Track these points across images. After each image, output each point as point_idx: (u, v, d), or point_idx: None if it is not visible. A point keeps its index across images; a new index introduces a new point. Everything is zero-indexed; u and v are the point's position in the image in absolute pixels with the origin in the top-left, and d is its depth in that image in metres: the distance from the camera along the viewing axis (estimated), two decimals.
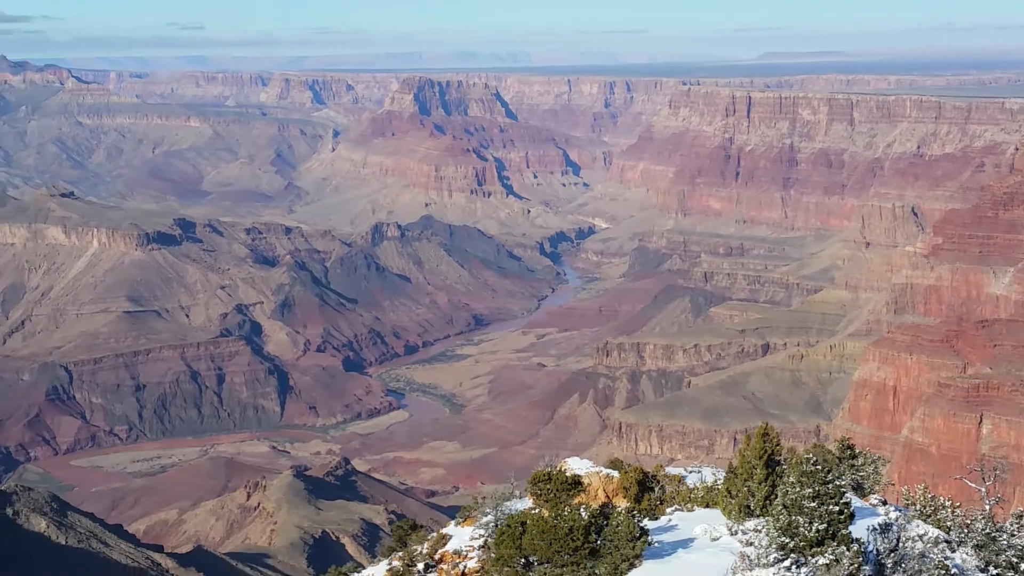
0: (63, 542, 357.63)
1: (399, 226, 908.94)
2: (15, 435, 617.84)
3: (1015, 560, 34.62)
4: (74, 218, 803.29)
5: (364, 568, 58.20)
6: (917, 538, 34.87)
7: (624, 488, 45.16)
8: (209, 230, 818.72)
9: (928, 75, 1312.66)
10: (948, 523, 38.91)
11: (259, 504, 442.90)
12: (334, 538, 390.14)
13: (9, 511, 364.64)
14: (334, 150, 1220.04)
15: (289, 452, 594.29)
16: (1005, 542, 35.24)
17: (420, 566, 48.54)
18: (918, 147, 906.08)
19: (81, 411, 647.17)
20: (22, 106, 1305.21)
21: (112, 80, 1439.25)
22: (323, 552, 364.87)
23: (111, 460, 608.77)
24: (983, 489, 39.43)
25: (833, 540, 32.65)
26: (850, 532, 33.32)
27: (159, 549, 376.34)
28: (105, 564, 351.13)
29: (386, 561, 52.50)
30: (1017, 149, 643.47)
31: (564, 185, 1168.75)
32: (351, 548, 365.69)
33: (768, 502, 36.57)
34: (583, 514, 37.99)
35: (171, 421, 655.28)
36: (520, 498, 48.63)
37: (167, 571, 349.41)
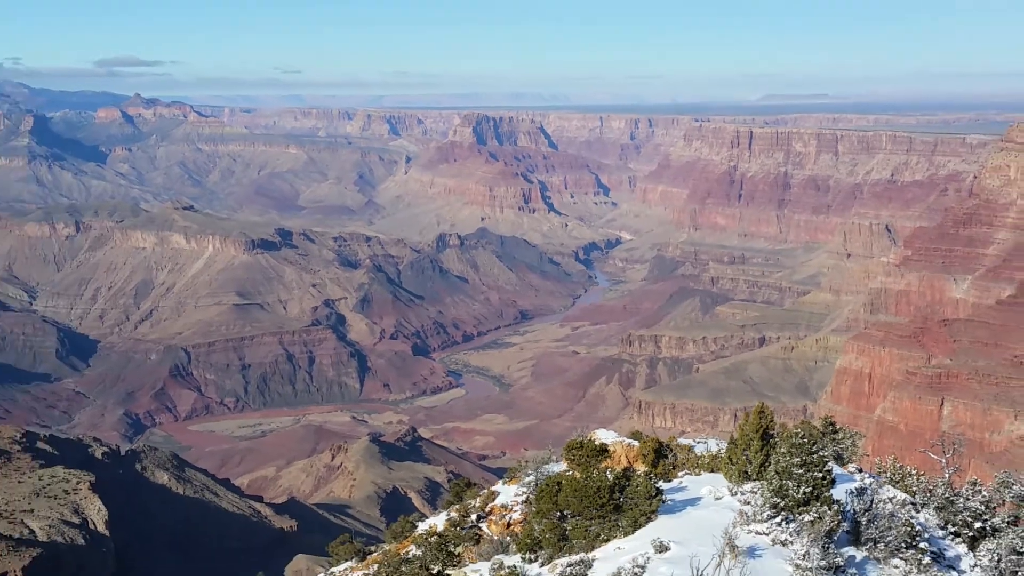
0: (181, 493, 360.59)
1: (459, 236, 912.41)
2: (143, 404, 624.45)
3: (969, 520, 34.50)
4: (193, 227, 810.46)
5: (427, 518, 58.33)
6: (887, 500, 34.77)
7: (643, 455, 45.21)
8: (303, 238, 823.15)
9: (901, 115, 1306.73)
10: (913, 488, 38.77)
11: (341, 464, 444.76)
12: (403, 493, 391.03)
13: (138, 467, 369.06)
14: (406, 173, 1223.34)
15: (367, 421, 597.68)
16: (961, 505, 35.14)
17: (473, 517, 48.75)
18: (892, 175, 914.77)
19: (197, 385, 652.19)
20: (152, 135, 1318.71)
21: (226, 114, 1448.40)
22: (393, 504, 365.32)
23: (221, 426, 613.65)
24: (943, 461, 39.32)
25: (817, 501, 32.73)
26: (831, 495, 33.43)
27: (259, 499, 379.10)
28: (216, 511, 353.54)
29: (445, 513, 52.70)
30: (975, 177, 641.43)
31: (596, 204, 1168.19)
32: (416, 501, 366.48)
33: (763, 468, 36.56)
34: (608, 476, 38.18)
35: (270, 395, 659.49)
36: (556, 462, 48.72)
37: (266, 518, 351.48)
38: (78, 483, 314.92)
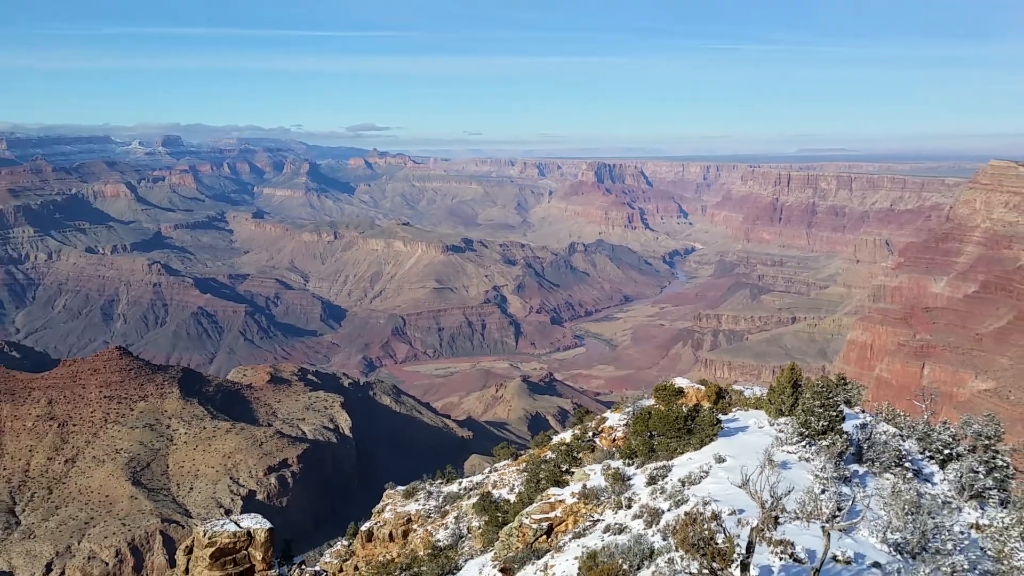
0: (398, 410, 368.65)
1: (583, 244, 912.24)
2: (374, 352, 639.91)
3: (941, 448, 33.77)
4: (408, 236, 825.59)
5: (559, 434, 58.38)
6: (882, 433, 34.00)
7: (707, 396, 44.53)
8: (480, 244, 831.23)
9: (898, 163, 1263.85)
10: (901, 425, 37.61)
11: (502, 395, 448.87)
12: (542, 416, 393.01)
13: (370, 392, 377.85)
14: (549, 202, 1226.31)
15: (519, 367, 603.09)
16: (935, 437, 34.40)
17: (590, 434, 48.57)
18: (891, 205, 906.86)
19: (409, 340, 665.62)
20: (383, 176, 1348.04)
21: (431, 162, 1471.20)
22: (536, 423, 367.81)
23: (424, 368, 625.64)
24: (923, 407, 37.96)
25: (832, 431, 32.29)
26: (842, 427, 32.85)
27: (448, 417, 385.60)
28: (419, 423, 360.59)
29: (571, 430, 52.64)
30: (951, 208, 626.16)
31: (677, 223, 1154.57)
32: (552, 422, 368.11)
33: (793, 408, 35.84)
34: (683, 409, 37.75)
35: (456, 348, 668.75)
36: (647, 399, 48.20)
37: (451, 429, 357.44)
38: (333, 402, 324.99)
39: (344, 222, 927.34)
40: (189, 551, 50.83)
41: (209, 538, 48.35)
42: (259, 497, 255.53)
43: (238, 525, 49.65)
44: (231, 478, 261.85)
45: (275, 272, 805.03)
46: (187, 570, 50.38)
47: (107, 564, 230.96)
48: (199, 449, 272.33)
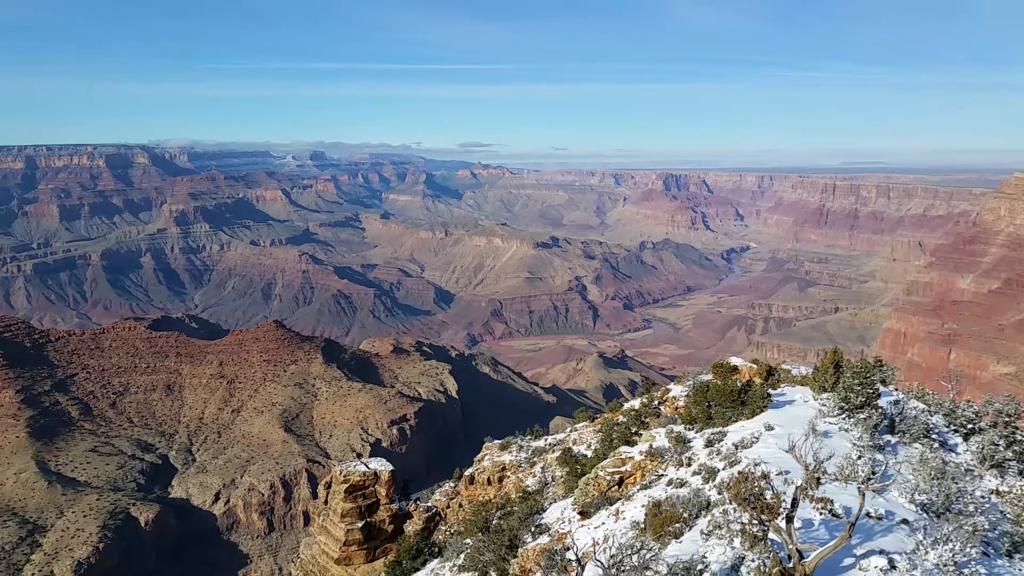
0: (496, 378, 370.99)
1: (652, 243, 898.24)
2: (476, 329, 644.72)
3: (964, 423, 32.20)
4: (505, 234, 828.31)
5: (629, 401, 57.88)
6: (913, 408, 32.64)
7: (759, 373, 43.42)
8: (565, 242, 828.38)
9: (931, 174, 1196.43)
10: (929, 403, 35.99)
11: (581, 368, 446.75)
12: (615, 386, 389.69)
13: (473, 363, 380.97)
14: (623, 207, 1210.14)
15: (596, 345, 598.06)
16: (959, 413, 32.78)
17: (656, 402, 48.00)
18: (924, 212, 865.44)
19: (505, 321, 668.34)
20: (486, 184, 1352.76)
21: (525, 173, 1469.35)
22: (610, 392, 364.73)
23: (517, 344, 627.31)
24: (950, 387, 36.30)
25: (868, 406, 31.23)
26: (878, 403, 31.72)
27: (536, 384, 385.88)
28: (513, 389, 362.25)
29: (640, 399, 52.13)
30: (977, 214, 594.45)
31: (734, 225, 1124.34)
32: (623, 391, 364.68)
33: (834, 385, 34.68)
34: (737, 384, 36.95)
35: (544, 328, 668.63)
36: (705, 374, 47.33)
37: (539, 395, 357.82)
38: (443, 370, 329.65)
39: (453, 222, 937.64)
40: (329, 486, 52.63)
41: (344, 476, 49.94)
42: (383, 444, 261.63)
43: (367, 466, 51.12)
44: (362, 428, 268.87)
45: (397, 263, 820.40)
46: (327, 501, 52.19)
47: (263, 495, 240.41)
48: (337, 404, 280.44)
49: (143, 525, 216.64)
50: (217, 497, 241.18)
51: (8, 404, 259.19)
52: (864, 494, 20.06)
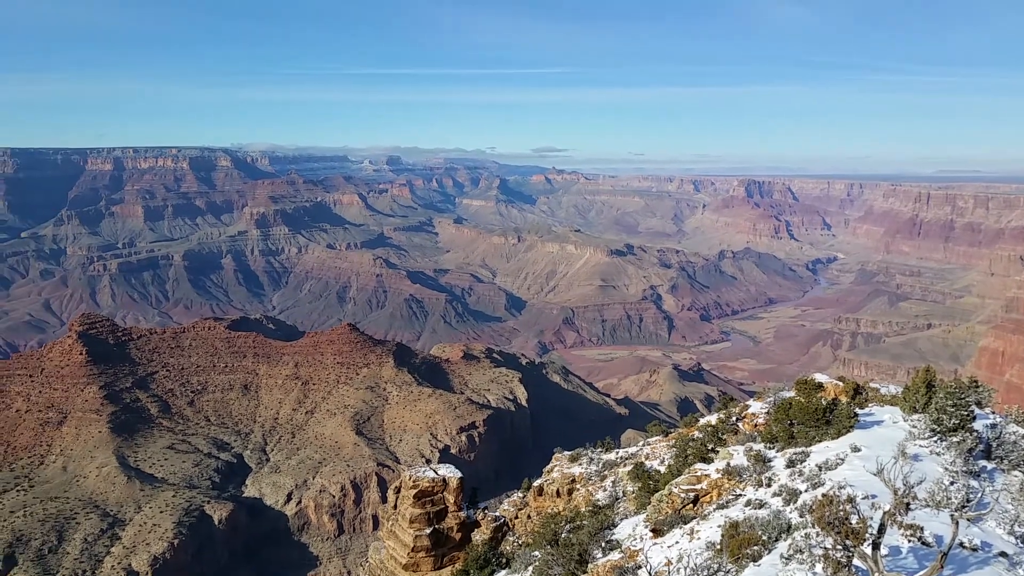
0: (566, 387, 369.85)
1: (732, 252, 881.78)
2: (547, 337, 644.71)
3: None
4: (579, 241, 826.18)
5: (705, 416, 56.92)
6: (1012, 433, 31.04)
7: (845, 391, 42.18)
8: (640, 249, 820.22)
9: None
10: None
11: (655, 379, 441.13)
12: (691, 400, 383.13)
13: (543, 371, 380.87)
14: (702, 214, 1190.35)
15: (671, 357, 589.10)
16: None
17: (733, 418, 47.14)
18: None
19: (577, 329, 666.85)
20: (560, 190, 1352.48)
21: (600, 179, 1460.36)
22: (684, 406, 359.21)
23: (589, 353, 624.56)
24: None
25: (963, 429, 29.92)
26: (973, 426, 30.41)
27: (607, 395, 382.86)
28: (583, 399, 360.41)
29: (717, 414, 51.26)
30: None
31: (821, 235, 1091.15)
32: (699, 406, 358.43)
33: (926, 406, 33.40)
34: (823, 402, 36.05)
35: (616, 337, 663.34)
36: (788, 390, 46.21)
37: (611, 406, 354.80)
38: (512, 377, 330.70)
39: (526, 228, 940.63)
40: (398, 490, 53.58)
41: (414, 481, 50.79)
42: (452, 451, 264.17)
43: (436, 472, 51.85)
44: (431, 434, 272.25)
45: (469, 268, 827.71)
46: (396, 506, 53.16)
47: (334, 496, 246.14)
48: (407, 409, 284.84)
49: (216, 523, 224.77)
50: (289, 497, 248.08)
51: (92, 400, 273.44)
52: (958, 522, 19.29)
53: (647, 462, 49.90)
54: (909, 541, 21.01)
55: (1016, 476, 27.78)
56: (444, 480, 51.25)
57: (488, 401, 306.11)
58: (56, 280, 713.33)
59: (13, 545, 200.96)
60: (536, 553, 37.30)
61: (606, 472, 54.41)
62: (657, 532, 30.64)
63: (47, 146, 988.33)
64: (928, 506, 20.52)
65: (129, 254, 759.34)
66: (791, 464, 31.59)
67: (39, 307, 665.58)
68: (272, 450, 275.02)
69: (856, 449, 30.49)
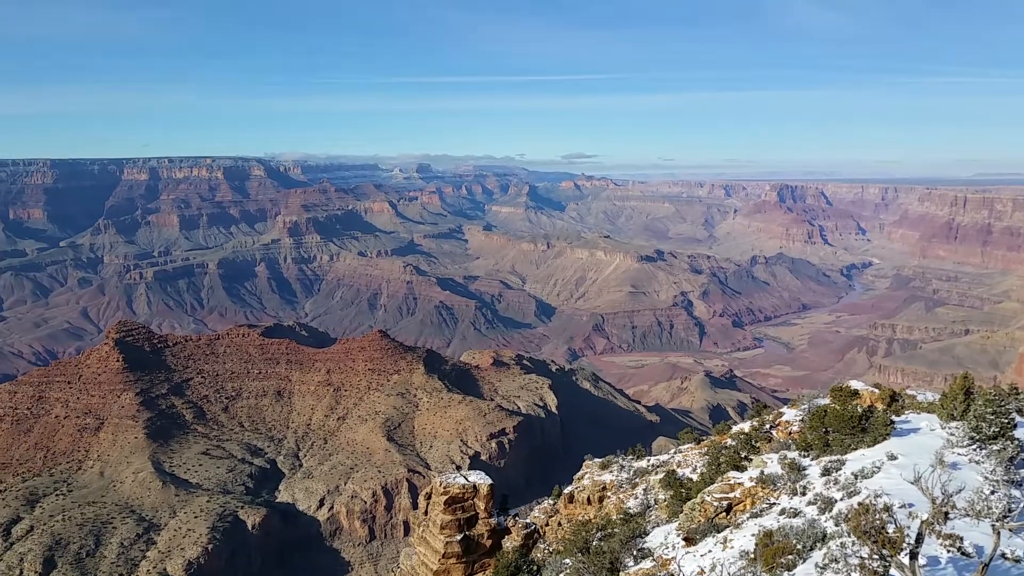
0: (596, 394, 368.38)
1: (764, 257, 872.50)
2: (577, 344, 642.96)
3: None
4: (608, 247, 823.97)
5: (738, 423, 56.37)
6: None
7: (881, 398, 41.56)
8: (670, 255, 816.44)
9: None
10: None
11: (686, 386, 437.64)
12: (723, 407, 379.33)
13: (574, 378, 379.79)
14: (733, 219, 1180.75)
15: (702, 364, 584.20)
16: None
17: (767, 426, 46.65)
18: None
19: (607, 336, 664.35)
20: (589, 196, 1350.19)
21: (630, 185, 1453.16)
22: (717, 414, 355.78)
23: (619, 360, 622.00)
24: None
25: (1003, 437, 29.30)
26: (1013, 434, 29.72)
27: (638, 402, 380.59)
28: (614, 406, 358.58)
29: (750, 422, 50.72)
30: None
31: (855, 240, 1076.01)
32: (731, 413, 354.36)
33: (964, 413, 32.77)
34: (858, 409, 35.60)
35: (647, 344, 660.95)
36: (822, 398, 45.66)
37: (641, 413, 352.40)
38: (542, 384, 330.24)
39: (555, 235, 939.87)
40: (429, 497, 53.81)
41: (444, 488, 50.95)
42: (483, 457, 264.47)
43: (466, 479, 51.97)
44: (461, 440, 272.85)
45: (499, 275, 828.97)
46: (426, 512, 53.38)
47: (365, 502, 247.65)
48: (437, 415, 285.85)
49: (250, 528, 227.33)
50: (321, 503, 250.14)
51: (128, 405, 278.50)
52: (999, 532, 18.91)
53: (679, 470, 49.55)
54: (948, 551, 20.63)
55: None
56: (474, 487, 51.34)
57: (518, 408, 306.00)
58: (94, 288, 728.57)
59: (52, 548, 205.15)
60: (567, 561, 37.23)
61: (637, 480, 54.14)
62: (690, 540, 30.43)
63: (84, 156, 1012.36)
64: (968, 516, 20.15)
65: (165, 262, 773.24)
66: (826, 472, 31.20)
67: (77, 315, 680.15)
68: (305, 456, 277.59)
69: (893, 457, 30.03)
